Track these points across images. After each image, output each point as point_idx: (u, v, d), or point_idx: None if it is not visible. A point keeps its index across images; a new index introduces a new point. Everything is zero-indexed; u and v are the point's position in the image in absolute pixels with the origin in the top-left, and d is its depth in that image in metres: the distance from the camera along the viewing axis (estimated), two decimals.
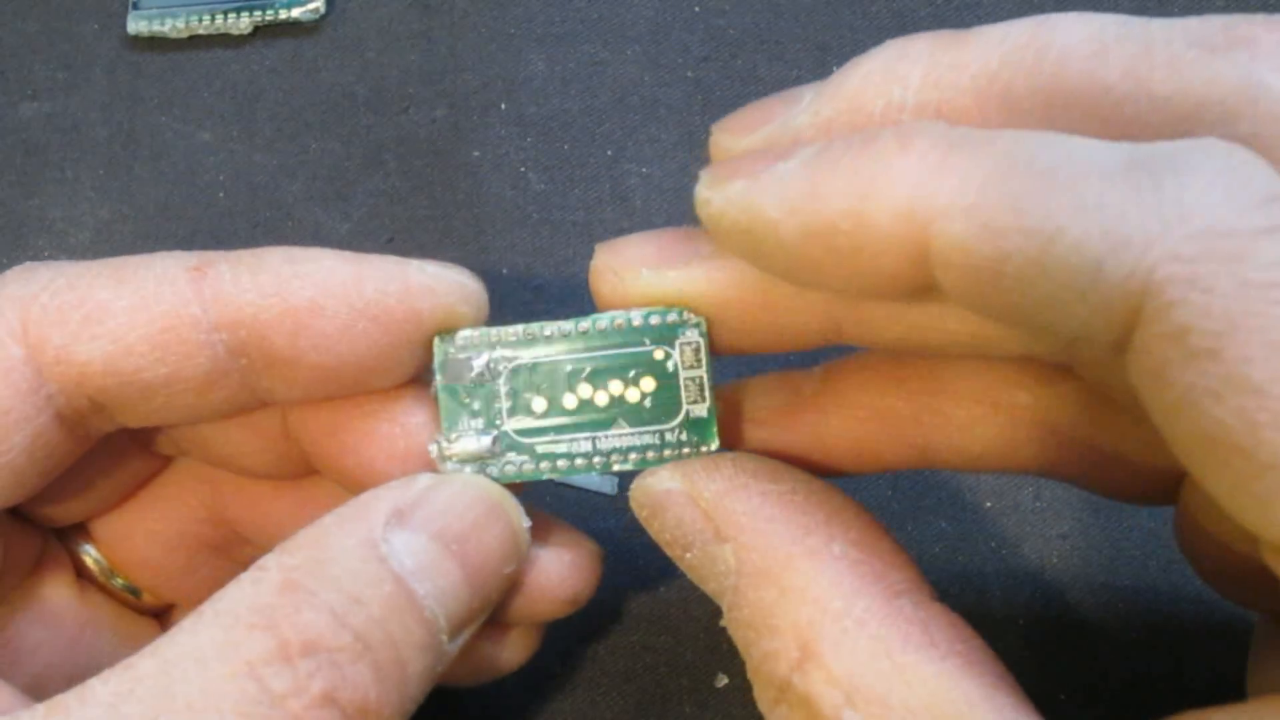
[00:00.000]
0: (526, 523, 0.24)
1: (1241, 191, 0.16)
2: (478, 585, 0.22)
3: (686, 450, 0.23)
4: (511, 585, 0.24)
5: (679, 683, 0.31)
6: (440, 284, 0.24)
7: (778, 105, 0.22)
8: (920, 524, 0.32)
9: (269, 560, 0.21)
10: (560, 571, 0.25)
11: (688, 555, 0.22)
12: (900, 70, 0.20)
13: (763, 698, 0.21)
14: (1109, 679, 0.30)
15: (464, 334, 0.24)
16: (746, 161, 0.20)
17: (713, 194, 0.20)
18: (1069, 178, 0.17)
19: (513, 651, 0.27)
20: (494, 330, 0.24)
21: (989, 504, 0.32)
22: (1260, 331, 0.15)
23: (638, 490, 0.23)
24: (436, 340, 0.24)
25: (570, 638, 0.31)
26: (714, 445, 0.23)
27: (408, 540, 0.22)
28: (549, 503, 0.33)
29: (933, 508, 0.32)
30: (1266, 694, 0.19)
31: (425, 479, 0.23)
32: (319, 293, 0.23)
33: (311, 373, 0.23)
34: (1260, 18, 0.19)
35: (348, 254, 0.24)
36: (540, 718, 0.31)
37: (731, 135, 0.22)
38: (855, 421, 0.24)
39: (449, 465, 0.24)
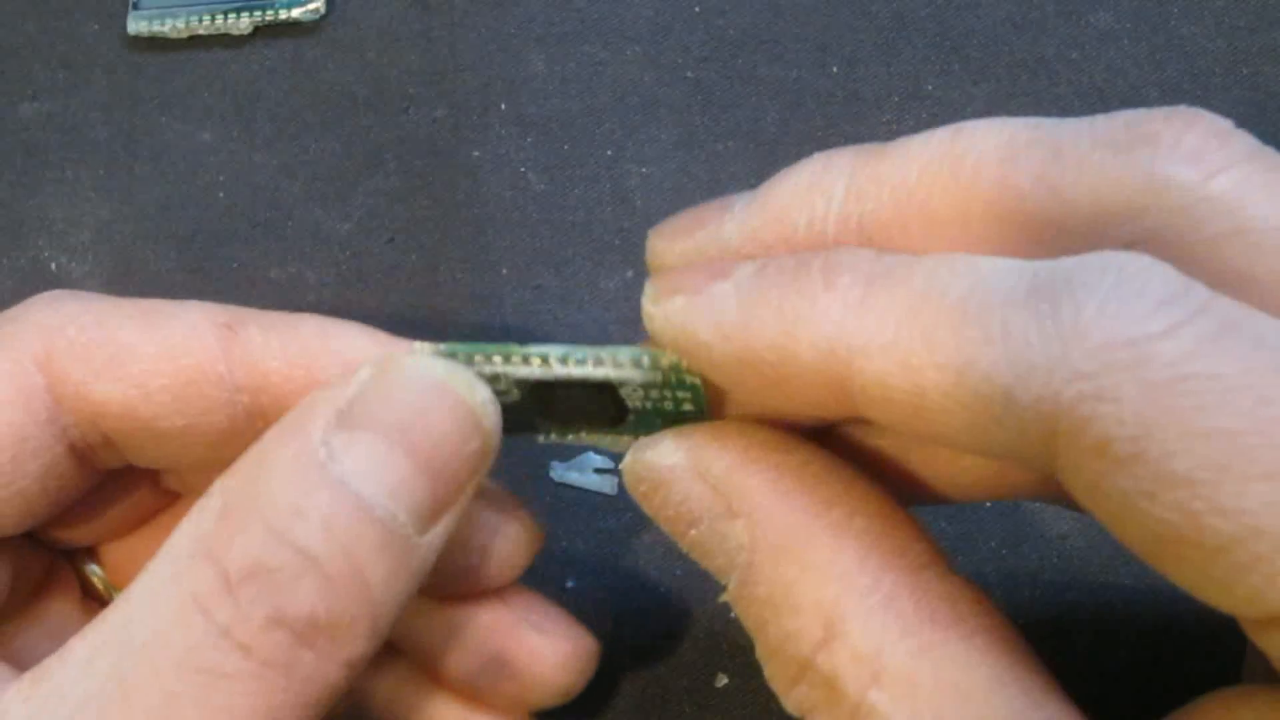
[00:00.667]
0: (484, 394, 0.22)
1: (1136, 300, 0.16)
2: (435, 472, 0.21)
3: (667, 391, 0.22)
4: (485, 465, 0.23)
5: (679, 683, 0.31)
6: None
7: (710, 212, 0.22)
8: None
9: (215, 485, 0.21)
10: (555, 662, 0.25)
11: (693, 532, 0.21)
12: (824, 184, 0.21)
13: (780, 677, 0.20)
14: (1109, 679, 0.30)
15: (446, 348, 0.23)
16: (688, 276, 0.21)
17: (655, 309, 0.21)
18: (976, 309, 0.17)
19: None
20: (477, 355, 0.23)
21: (989, 504, 0.32)
22: (1175, 425, 0.16)
23: (635, 464, 0.22)
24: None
25: None
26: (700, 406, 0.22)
27: (346, 440, 0.21)
28: (549, 502, 0.33)
29: (933, 508, 0.32)
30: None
31: (365, 371, 0.22)
32: (346, 370, 0.22)
33: None
34: (1162, 113, 0.19)
35: (380, 334, 0.24)
36: (540, 718, 0.31)
37: (665, 240, 0.23)
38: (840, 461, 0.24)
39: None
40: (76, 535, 0.27)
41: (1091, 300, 0.17)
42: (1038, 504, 0.32)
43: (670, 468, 0.22)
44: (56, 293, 0.24)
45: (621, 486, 0.32)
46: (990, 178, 0.20)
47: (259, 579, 0.19)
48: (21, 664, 0.25)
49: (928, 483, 0.24)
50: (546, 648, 0.25)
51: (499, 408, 0.22)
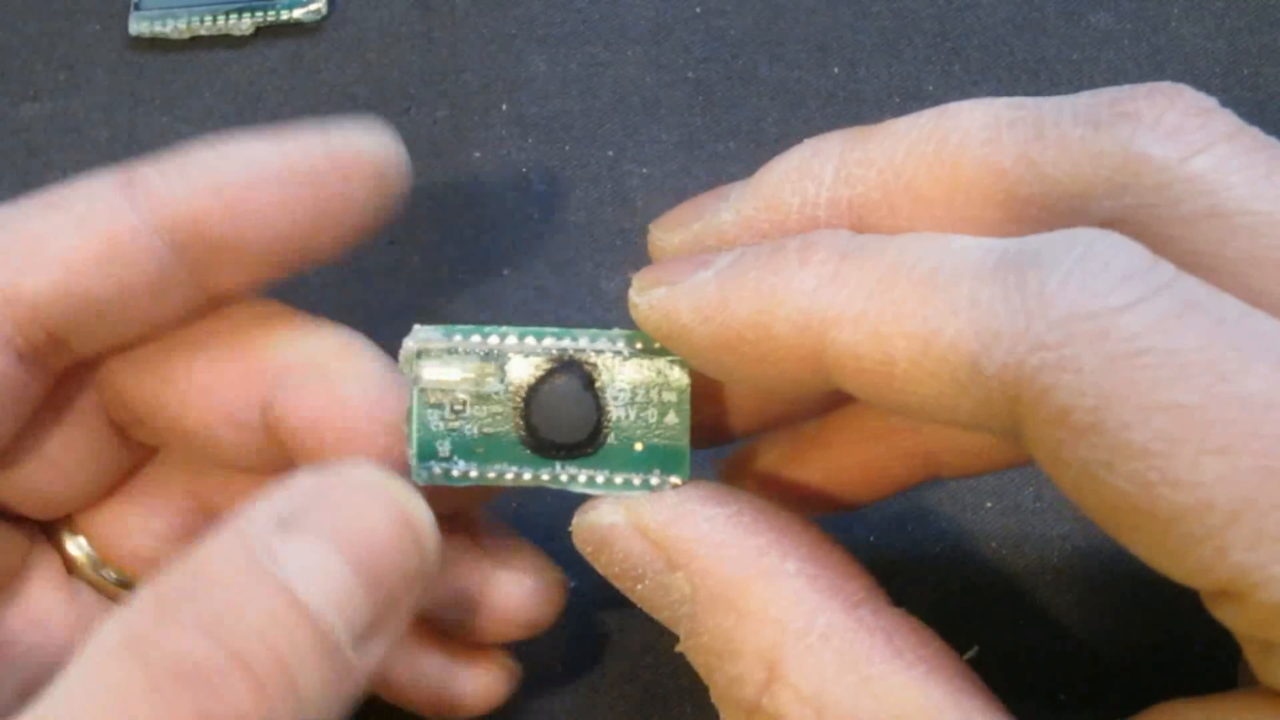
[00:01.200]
0: (427, 515, 0.22)
1: (1101, 274, 0.17)
2: (374, 585, 0.21)
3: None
4: (424, 585, 0.23)
5: (679, 683, 0.31)
6: (364, 145, 0.25)
7: (707, 202, 0.23)
8: (920, 524, 0.32)
9: (149, 582, 0.20)
10: (520, 597, 0.25)
11: (639, 587, 0.22)
12: (814, 168, 0.22)
13: None
14: (1110, 679, 0.30)
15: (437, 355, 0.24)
16: (671, 268, 0.21)
17: (639, 299, 0.22)
18: (945, 280, 0.18)
19: (481, 688, 0.27)
20: (469, 356, 0.24)
21: (989, 504, 0.32)
22: (1133, 397, 0.16)
23: (580, 527, 0.23)
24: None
25: (570, 638, 0.31)
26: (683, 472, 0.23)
27: (290, 545, 0.20)
28: (549, 502, 0.33)
29: (933, 508, 0.32)
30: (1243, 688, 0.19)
31: (310, 477, 0.22)
32: (250, 175, 0.23)
33: (256, 255, 0.24)
34: (1145, 89, 0.20)
35: (269, 133, 0.24)
36: (540, 718, 0.31)
37: (665, 231, 0.23)
38: (858, 445, 0.25)
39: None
40: (54, 501, 0.27)
41: (1057, 272, 0.17)
42: (1039, 504, 0.32)
43: (611, 526, 0.22)
44: None
45: None
46: (974, 156, 0.20)
47: (188, 678, 0.18)
48: (3, 654, 0.25)
49: (942, 453, 0.25)
50: (511, 584, 0.25)
51: (439, 536, 0.22)
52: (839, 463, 0.25)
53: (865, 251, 0.19)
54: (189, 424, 0.26)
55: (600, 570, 0.23)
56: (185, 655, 0.19)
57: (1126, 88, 0.20)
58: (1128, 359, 0.16)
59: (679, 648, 0.22)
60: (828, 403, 0.25)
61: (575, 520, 0.23)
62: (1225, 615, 0.17)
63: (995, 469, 0.26)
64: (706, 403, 0.24)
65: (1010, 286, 0.17)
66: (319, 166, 0.24)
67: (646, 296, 0.21)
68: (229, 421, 0.25)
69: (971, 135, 0.20)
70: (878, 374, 0.19)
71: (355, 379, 0.25)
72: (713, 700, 0.21)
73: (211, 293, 0.25)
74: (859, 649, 0.19)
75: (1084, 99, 0.20)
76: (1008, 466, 0.25)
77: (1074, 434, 0.17)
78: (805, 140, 0.22)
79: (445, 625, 0.26)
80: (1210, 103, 0.19)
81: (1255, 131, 0.19)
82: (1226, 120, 0.19)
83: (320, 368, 0.25)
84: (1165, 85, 0.20)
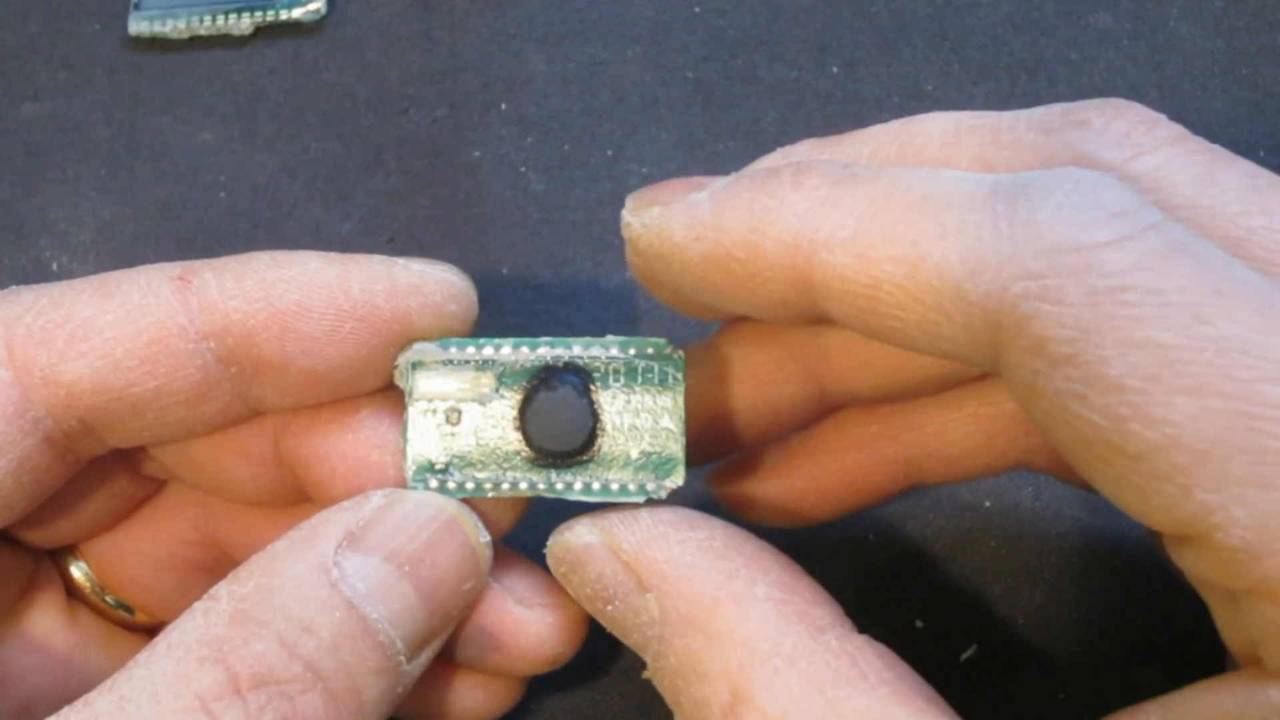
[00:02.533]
0: (485, 538, 0.24)
1: (1089, 209, 0.17)
2: (435, 605, 0.22)
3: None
4: (474, 602, 0.24)
5: None
6: (427, 282, 0.24)
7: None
8: (920, 524, 0.32)
9: (220, 589, 0.21)
10: (542, 634, 0.25)
11: (609, 609, 0.22)
12: None
13: None
14: (1109, 678, 0.30)
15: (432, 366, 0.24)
16: (667, 189, 0.22)
17: (633, 218, 0.22)
18: (934, 206, 0.18)
19: (494, 701, 0.27)
20: (464, 366, 0.24)
21: (989, 504, 0.32)
22: (1112, 332, 0.16)
23: (555, 546, 0.23)
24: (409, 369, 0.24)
25: None
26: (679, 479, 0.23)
27: (359, 564, 0.22)
28: (550, 501, 0.33)
29: (933, 507, 0.32)
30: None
31: (378, 497, 0.23)
32: (305, 295, 0.23)
33: (301, 377, 0.23)
34: (1095, 102, 0.20)
35: (333, 255, 0.23)
36: (540, 717, 0.31)
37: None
38: (841, 454, 0.26)
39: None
40: (59, 532, 0.27)
41: (1046, 204, 0.17)
42: (1038, 503, 0.32)
43: (586, 546, 0.23)
44: (13, 288, 0.24)
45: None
46: (933, 157, 0.21)
47: (269, 688, 0.20)
48: (4, 674, 0.25)
49: (922, 460, 0.25)
50: (531, 621, 0.25)
51: (492, 556, 0.24)
52: (824, 470, 0.26)
53: (858, 178, 0.19)
54: (200, 457, 0.26)
55: (572, 592, 0.23)
56: (266, 665, 0.20)
57: (1079, 102, 0.21)
58: (1110, 294, 0.16)
59: (646, 674, 0.22)
60: (821, 409, 0.25)
61: (551, 541, 0.23)
62: (1186, 561, 0.17)
63: (977, 475, 0.26)
64: (701, 413, 0.24)
65: (999, 214, 0.17)
66: (377, 301, 0.23)
67: (640, 216, 0.22)
68: (241, 453, 0.25)
69: (933, 139, 0.21)
70: (864, 297, 0.19)
71: (367, 408, 0.25)
72: None
73: (253, 408, 0.24)
74: (824, 671, 0.20)
75: (1040, 110, 0.21)
76: (990, 473, 0.26)
77: (1051, 364, 0.17)
78: (777, 149, 0.23)
79: (465, 661, 0.26)
80: (1159, 116, 0.20)
81: (1201, 139, 0.20)
82: (1172, 128, 0.20)
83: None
84: (1116, 100, 0.20)
